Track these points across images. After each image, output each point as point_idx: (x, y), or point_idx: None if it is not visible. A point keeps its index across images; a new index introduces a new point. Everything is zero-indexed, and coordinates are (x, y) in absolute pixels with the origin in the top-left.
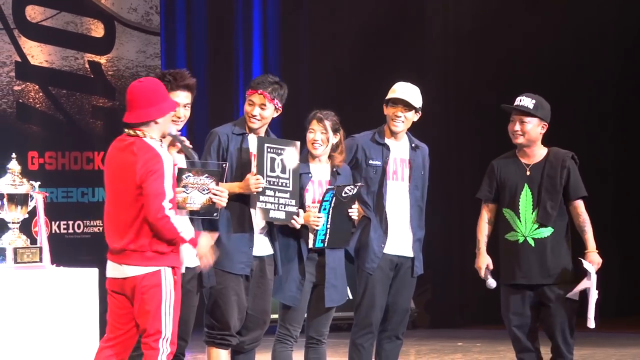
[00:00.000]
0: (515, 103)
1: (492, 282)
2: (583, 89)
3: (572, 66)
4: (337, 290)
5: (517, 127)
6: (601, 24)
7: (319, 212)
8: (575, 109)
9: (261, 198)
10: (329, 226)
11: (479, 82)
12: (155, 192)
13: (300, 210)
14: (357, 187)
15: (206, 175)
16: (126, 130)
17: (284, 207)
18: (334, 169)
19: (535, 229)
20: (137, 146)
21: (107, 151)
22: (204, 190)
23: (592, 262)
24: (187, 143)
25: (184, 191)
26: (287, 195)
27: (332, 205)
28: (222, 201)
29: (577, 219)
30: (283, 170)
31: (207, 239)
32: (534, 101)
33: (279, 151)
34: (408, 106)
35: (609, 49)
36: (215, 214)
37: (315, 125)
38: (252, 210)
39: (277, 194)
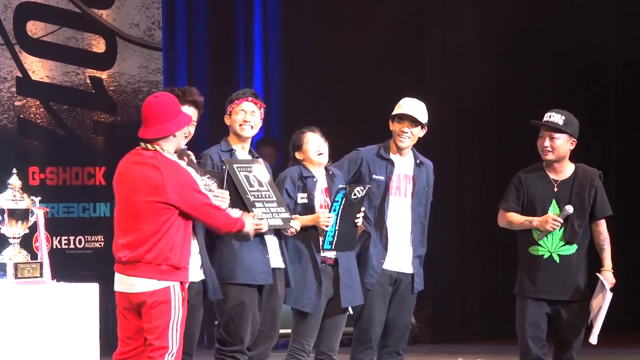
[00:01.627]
0: (545, 119)
1: (569, 208)
2: (584, 98)
3: (572, 72)
4: (354, 291)
5: (547, 143)
6: (602, 28)
7: (329, 212)
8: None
9: (255, 210)
10: (337, 228)
11: (480, 97)
12: (200, 203)
13: (298, 216)
14: (367, 188)
15: (208, 176)
16: (142, 144)
17: (278, 215)
18: (330, 172)
19: (561, 246)
20: (158, 161)
21: (117, 165)
22: (207, 191)
23: (607, 280)
24: (193, 157)
25: None
26: (275, 204)
27: (342, 206)
28: (224, 203)
29: (597, 237)
30: (260, 184)
31: (250, 224)
32: (563, 117)
33: (249, 168)
34: (414, 122)
35: (610, 54)
36: None
37: (312, 136)
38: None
39: (266, 205)
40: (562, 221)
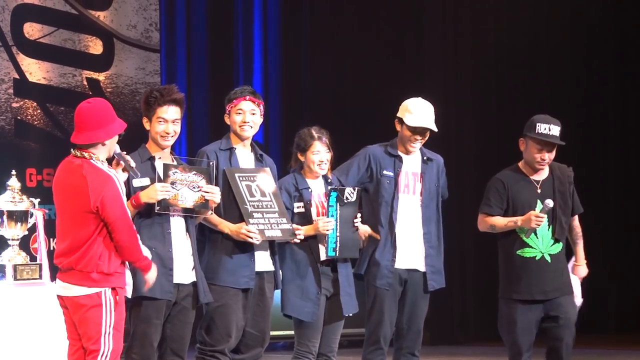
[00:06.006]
0: (543, 131)
1: (549, 202)
2: (582, 95)
3: (570, 71)
4: (352, 298)
5: (546, 157)
6: (602, 28)
7: (327, 217)
8: (575, 115)
9: (252, 221)
10: (338, 234)
11: (480, 99)
12: (120, 215)
13: (300, 227)
14: (357, 191)
15: (194, 172)
16: (73, 151)
17: (278, 226)
18: (329, 179)
19: (551, 245)
20: (85, 169)
21: (55, 172)
22: (194, 187)
23: (579, 274)
24: (132, 163)
25: (173, 188)
26: (276, 215)
27: (338, 210)
28: (215, 198)
29: (571, 232)
30: (263, 194)
31: (155, 272)
32: (558, 128)
33: (252, 178)
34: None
35: (610, 52)
36: (210, 212)
37: (320, 146)
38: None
39: (266, 215)
40: (544, 216)
